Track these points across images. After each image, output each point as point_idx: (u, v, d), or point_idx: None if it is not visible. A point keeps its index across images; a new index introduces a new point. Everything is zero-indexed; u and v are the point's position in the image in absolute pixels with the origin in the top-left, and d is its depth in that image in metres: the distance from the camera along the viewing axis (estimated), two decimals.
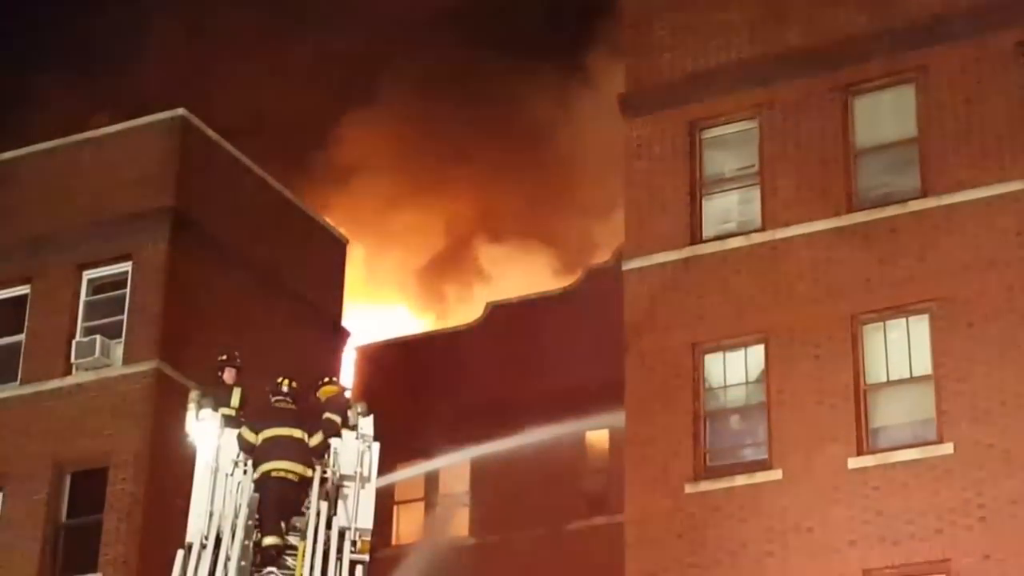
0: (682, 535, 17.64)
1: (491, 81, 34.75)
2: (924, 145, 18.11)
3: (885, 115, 18.56)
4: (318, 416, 14.43)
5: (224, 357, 15.23)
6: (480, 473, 23.82)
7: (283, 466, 13.81)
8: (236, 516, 13.44)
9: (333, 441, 14.32)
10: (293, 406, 14.32)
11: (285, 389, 14.32)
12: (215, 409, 14.69)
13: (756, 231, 18.70)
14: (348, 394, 15.34)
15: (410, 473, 21.69)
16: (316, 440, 14.05)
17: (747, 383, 18.27)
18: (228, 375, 15.10)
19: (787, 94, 18.84)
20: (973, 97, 17.94)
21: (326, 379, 15.21)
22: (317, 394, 15.06)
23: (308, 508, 13.81)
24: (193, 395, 14.99)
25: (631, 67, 20.02)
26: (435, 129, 34.80)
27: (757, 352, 18.21)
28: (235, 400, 14.68)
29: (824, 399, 17.54)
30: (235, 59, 34.61)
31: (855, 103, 18.60)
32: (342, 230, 25.88)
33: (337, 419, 14.26)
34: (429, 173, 34.99)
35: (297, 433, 13.98)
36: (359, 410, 14.67)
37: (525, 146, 34.42)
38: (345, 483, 14.17)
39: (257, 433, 14.01)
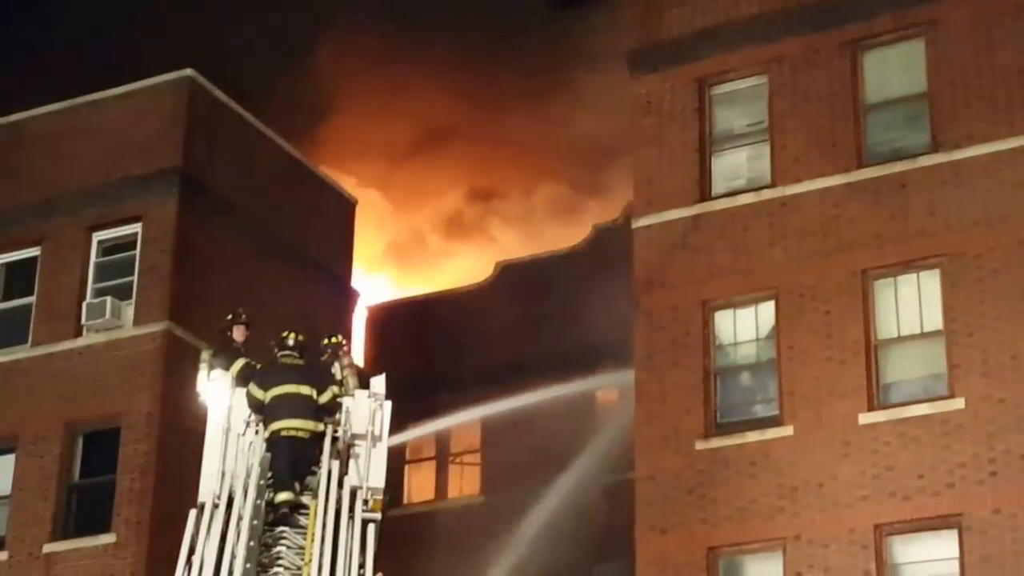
0: (692, 492, 17.68)
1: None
2: (934, 100, 18.01)
3: (894, 70, 18.45)
4: (326, 372, 14.45)
5: (231, 316, 15.21)
6: (491, 432, 23.90)
7: (293, 424, 13.82)
8: (248, 475, 13.47)
9: (345, 400, 14.33)
10: (300, 361, 14.31)
11: (291, 343, 14.26)
12: (226, 369, 14.70)
13: (766, 187, 18.64)
14: (345, 352, 15.25)
15: (421, 432, 21.75)
16: (325, 397, 14.06)
17: (757, 340, 18.26)
18: (237, 333, 15.08)
19: (796, 49, 18.72)
20: (983, 51, 17.82)
21: (328, 337, 15.21)
22: (322, 356, 15.08)
23: (320, 467, 13.84)
24: (204, 355, 15.01)
25: (640, 23, 19.91)
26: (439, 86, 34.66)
27: (767, 308, 18.19)
28: (234, 369, 14.62)
29: (834, 355, 17.53)
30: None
31: (864, 58, 18.48)
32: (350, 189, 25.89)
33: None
34: (431, 130, 34.88)
35: (305, 390, 13.96)
36: (345, 363, 14.68)
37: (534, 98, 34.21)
38: (356, 442, 14.18)
39: (265, 390, 14.01)
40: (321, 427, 13.95)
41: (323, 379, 14.24)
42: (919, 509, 16.70)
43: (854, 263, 17.76)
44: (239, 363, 14.54)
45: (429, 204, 34.37)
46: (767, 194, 18.56)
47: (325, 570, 12.73)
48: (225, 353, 14.86)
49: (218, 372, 14.72)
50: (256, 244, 22.52)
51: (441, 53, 34.27)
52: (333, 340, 15.10)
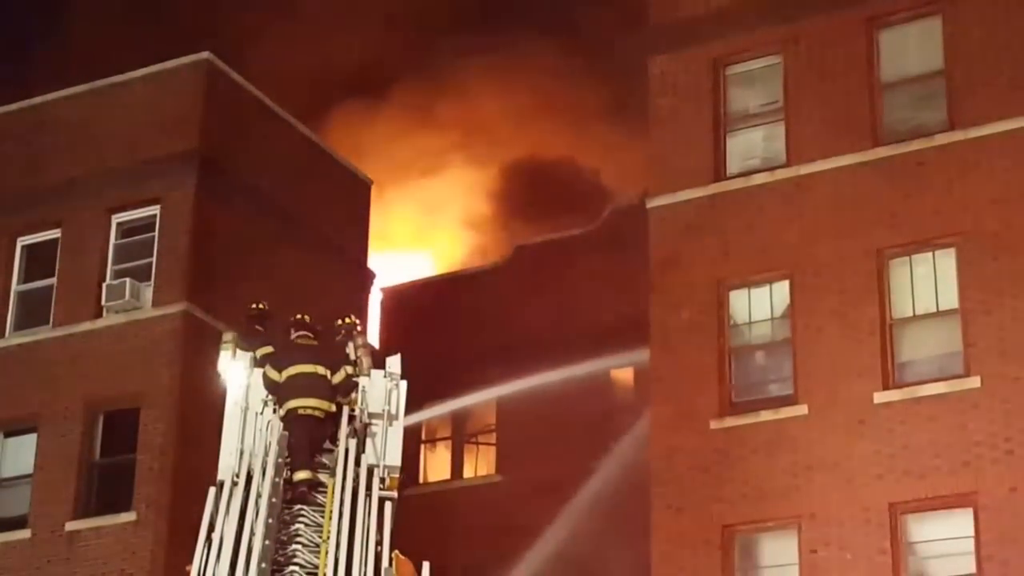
0: (708, 470, 17.74)
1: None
2: (951, 78, 17.97)
3: (911, 48, 18.40)
4: (340, 353, 14.55)
5: (257, 310, 15.22)
6: (506, 412, 23.99)
7: (308, 403, 13.91)
8: (266, 454, 13.58)
9: (361, 380, 14.42)
10: (315, 342, 14.41)
11: (304, 323, 14.38)
12: (252, 352, 14.76)
13: (781, 167, 18.64)
14: (360, 332, 15.32)
15: (437, 412, 21.85)
16: (339, 377, 14.15)
17: (772, 319, 18.29)
18: (261, 323, 15.12)
19: (812, 29, 18.69)
20: (1000, 28, 17.76)
21: (343, 318, 15.30)
22: (336, 336, 15.16)
23: (336, 445, 13.94)
24: (228, 336, 15.08)
25: (655, 3, 19.91)
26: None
27: (782, 288, 18.21)
28: (258, 353, 14.71)
29: (850, 334, 17.54)
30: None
31: (880, 36, 18.44)
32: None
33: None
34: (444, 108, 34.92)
35: (320, 370, 14.05)
36: (359, 343, 14.74)
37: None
38: (373, 421, 14.27)
39: (280, 371, 14.11)
40: (335, 407, 14.04)
41: (336, 359, 14.33)
42: (935, 488, 16.70)
43: (869, 242, 17.76)
44: (265, 350, 14.61)
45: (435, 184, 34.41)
46: (782, 174, 18.56)
47: (343, 547, 12.83)
48: (249, 338, 14.95)
49: (240, 353, 14.80)
50: (273, 225, 22.63)
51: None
52: (347, 321, 15.19)
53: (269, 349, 14.51)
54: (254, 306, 15.27)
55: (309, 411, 13.89)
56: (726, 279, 18.43)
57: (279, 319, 15.25)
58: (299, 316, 14.47)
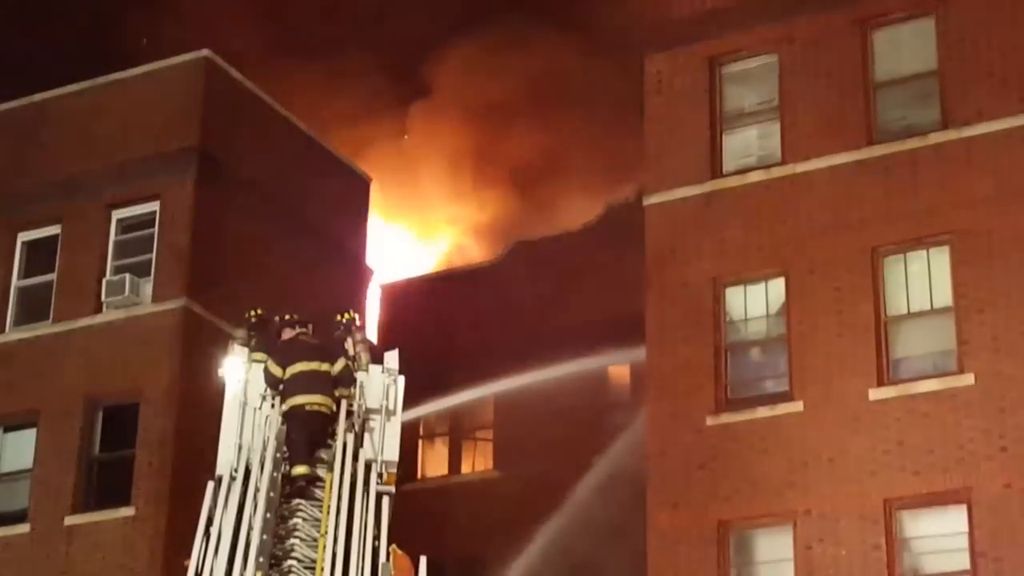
0: (704, 467, 17.83)
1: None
2: (944, 77, 18.07)
3: (905, 48, 18.50)
4: (339, 348, 14.65)
5: (255, 315, 15.23)
6: (504, 408, 24.10)
7: (313, 400, 14.01)
8: (265, 448, 13.68)
9: (359, 375, 14.52)
10: (315, 340, 14.51)
11: (303, 321, 14.50)
12: (263, 352, 14.80)
13: (776, 165, 18.74)
14: (358, 327, 15.40)
15: (434, 408, 21.95)
16: (337, 367, 14.24)
17: (768, 316, 18.39)
18: (286, 335, 15.14)
19: (807, 28, 18.80)
20: (993, 28, 17.87)
21: (341, 313, 15.40)
22: (334, 332, 15.26)
23: (335, 440, 14.04)
24: (239, 332, 15.13)
25: (651, 2, 20.01)
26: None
27: (778, 285, 18.31)
28: (261, 355, 14.76)
29: (845, 331, 17.64)
30: None
31: (875, 36, 18.55)
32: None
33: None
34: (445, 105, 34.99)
35: (324, 367, 14.17)
36: (358, 338, 14.84)
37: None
38: (371, 416, 14.37)
39: (283, 368, 14.21)
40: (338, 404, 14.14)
41: (335, 353, 14.44)
42: (929, 484, 16.80)
43: (864, 240, 17.86)
44: (260, 356, 14.67)
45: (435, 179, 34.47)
46: (777, 172, 18.66)
47: (340, 542, 12.94)
48: (259, 338, 15.00)
49: (239, 349, 14.88)
50: (272, 222, 22.72)
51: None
52: (346, 316, 15.29)
53: (264, 356, 14.57)
54: (251, 313, 15.31)
55: (316, 407, 13.99)
56: (722, 276, 18.54)
57: (276, 312, 15.31)
58: (288, 316, 14.55)
